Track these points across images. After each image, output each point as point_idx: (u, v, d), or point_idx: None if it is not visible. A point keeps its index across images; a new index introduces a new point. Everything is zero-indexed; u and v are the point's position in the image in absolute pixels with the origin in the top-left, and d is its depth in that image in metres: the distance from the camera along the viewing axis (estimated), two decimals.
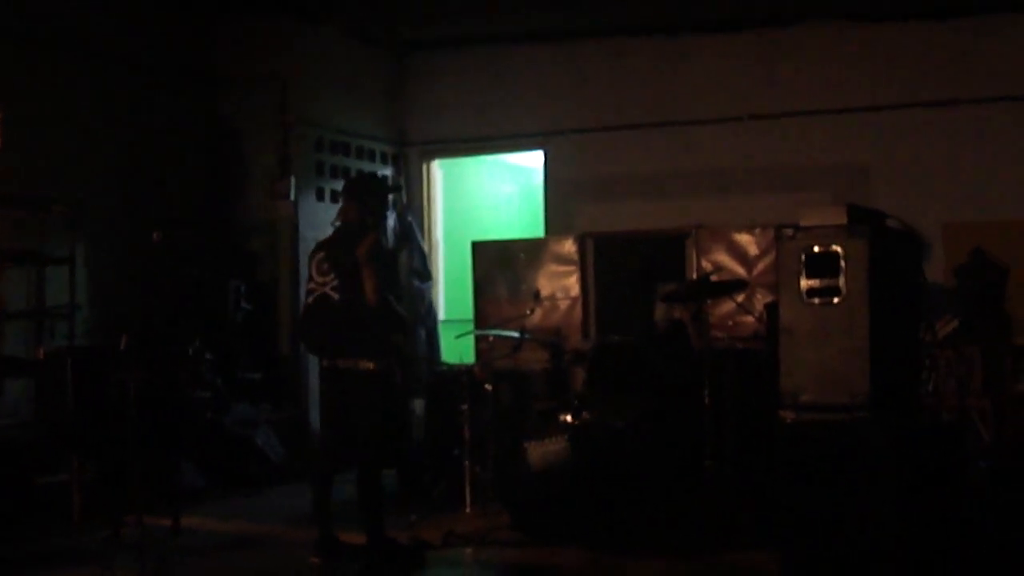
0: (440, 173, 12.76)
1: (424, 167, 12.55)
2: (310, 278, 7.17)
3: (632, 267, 10.47)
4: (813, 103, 10.83)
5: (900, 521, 5.04)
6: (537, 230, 12.09)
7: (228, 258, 10.91)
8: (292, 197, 10.94)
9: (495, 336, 9.24)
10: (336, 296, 6.98)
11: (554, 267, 10.88)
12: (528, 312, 9.21)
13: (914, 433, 5.47)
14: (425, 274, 11.92)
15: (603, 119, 11.58)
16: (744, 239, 10.22)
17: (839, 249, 5.28)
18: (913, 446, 5.34)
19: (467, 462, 8.47)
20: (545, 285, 10.67)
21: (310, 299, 7.15)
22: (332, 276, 7.01)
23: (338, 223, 7.25)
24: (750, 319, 9.19)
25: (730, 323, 9.27)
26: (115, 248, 9.80)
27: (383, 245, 7.12)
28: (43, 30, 9.39)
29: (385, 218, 7.45)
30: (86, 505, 7.87)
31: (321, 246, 7.25)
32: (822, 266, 5.31)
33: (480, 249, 11.17)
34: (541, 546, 7.37)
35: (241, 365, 10.53)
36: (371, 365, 6.95)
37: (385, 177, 11.54)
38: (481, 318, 10.72)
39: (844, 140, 10.74)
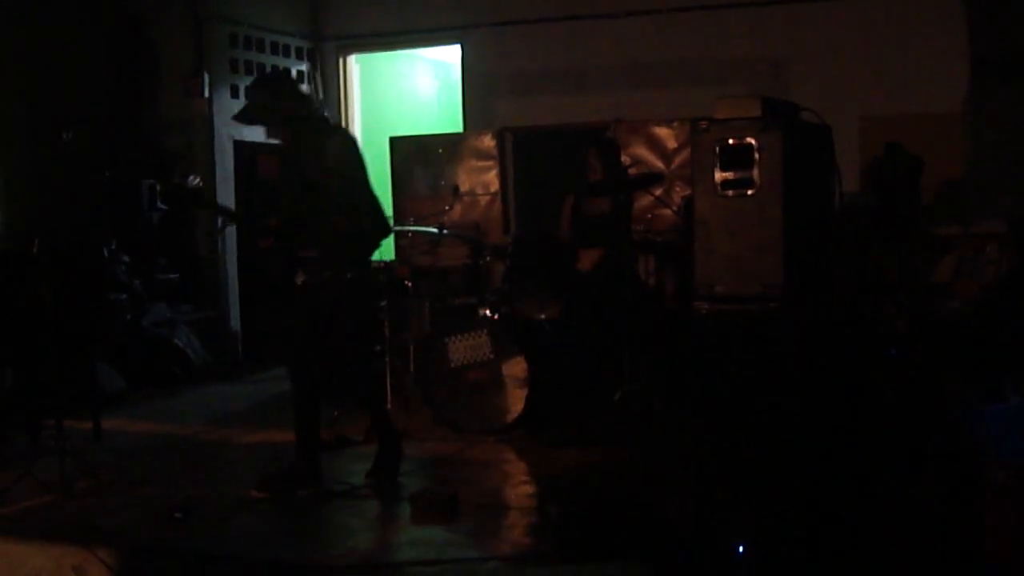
0: (357, 68, 12.59)
1: (340, 62, 12.37)
2: None
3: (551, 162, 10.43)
4: None
5: (808, 407, 5.14)
6: (457, 125, 12.00)
7: (142, 157, 10.72)
8: (206, 94, 10.78)
9: (414, 232, 9.21)
10: None
11: (473, 162, 10.84)
12: (447, 208, 9.18)
13: (824, 323, 5.56)
14: None
15: (521, 12, 11.44)
16: (663, 132, 10.24)
17: (753, 141, 5.30)
18: (823, 335, 5.44)
19: (388, 358, 8.49)
20: (464, 180, 10.63)
21: None
22: None
23: None
24: (668, 212, 9.23)
25: (649, 216, 9.30)
26: (24, 149, 9.58)
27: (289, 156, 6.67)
28: None
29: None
30: (4, 410, 7.78)
31: None
32: (736, 158, 5.33)
33: (398, 145, 11.08)
34: (461, 439, 7.43)
35: (158, 266, 10.42)
36: None
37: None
38: (400, 214, 10.66)
39: (762, 33, 10.71)
